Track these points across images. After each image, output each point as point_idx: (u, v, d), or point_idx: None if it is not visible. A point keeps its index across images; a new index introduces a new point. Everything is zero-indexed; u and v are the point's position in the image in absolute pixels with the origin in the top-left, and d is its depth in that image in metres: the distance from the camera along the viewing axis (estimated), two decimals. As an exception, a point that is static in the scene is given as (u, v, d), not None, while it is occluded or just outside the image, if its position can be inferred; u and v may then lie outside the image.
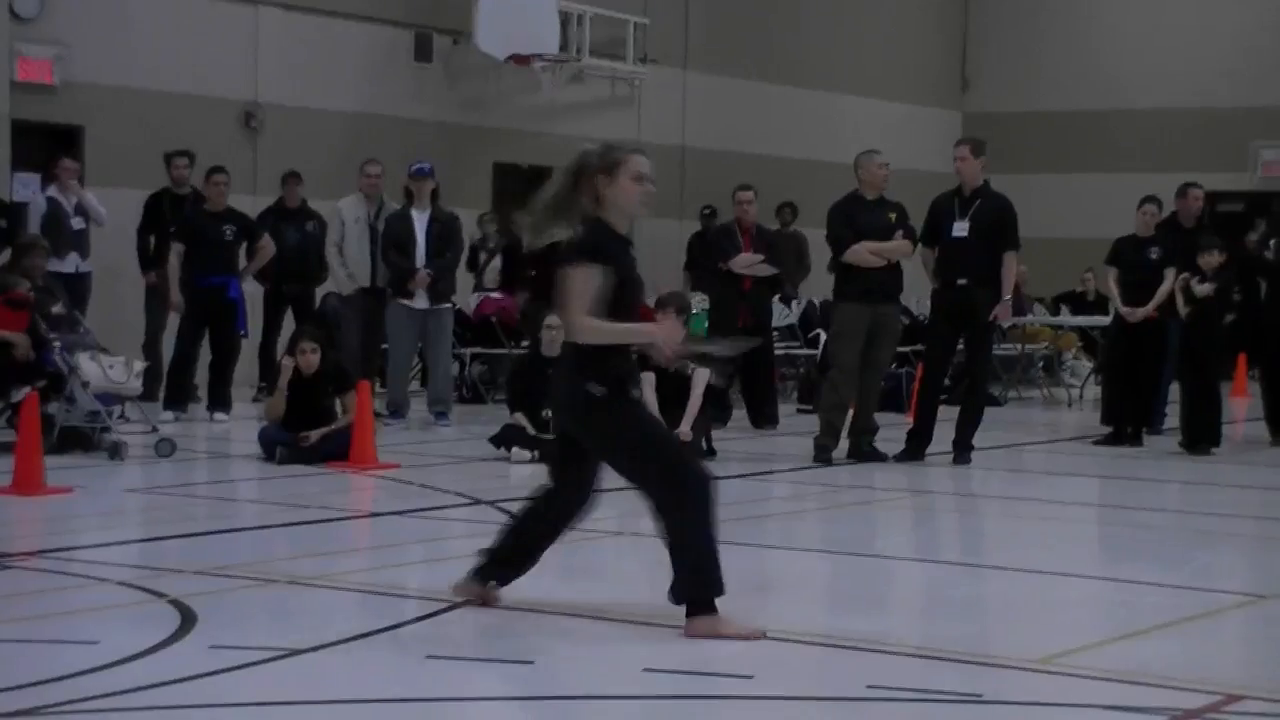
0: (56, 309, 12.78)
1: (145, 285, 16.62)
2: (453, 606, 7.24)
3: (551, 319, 13.35)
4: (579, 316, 6.80)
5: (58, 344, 12.42)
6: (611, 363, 6.87)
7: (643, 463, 6.90)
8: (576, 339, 6.86)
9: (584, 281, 6.79)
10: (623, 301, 6.88)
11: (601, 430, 6.90)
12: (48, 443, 12.19)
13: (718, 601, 6.78)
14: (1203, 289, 14.20)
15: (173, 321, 16.02)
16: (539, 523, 7.23)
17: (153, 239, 16.59)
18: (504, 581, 7.23)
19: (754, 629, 6.74)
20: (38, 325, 12.63)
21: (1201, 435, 14.24)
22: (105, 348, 12.86)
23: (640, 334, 7.04)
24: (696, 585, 6.77)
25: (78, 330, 12.82)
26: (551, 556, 8.51)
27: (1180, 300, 14.30)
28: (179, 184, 16.63)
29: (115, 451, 12.14)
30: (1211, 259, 14.26)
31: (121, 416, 13.00)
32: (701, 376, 13.07)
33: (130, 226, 16.77)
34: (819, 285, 17.30)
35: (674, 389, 13.04)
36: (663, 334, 7.16)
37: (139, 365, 12.96)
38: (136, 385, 12.80)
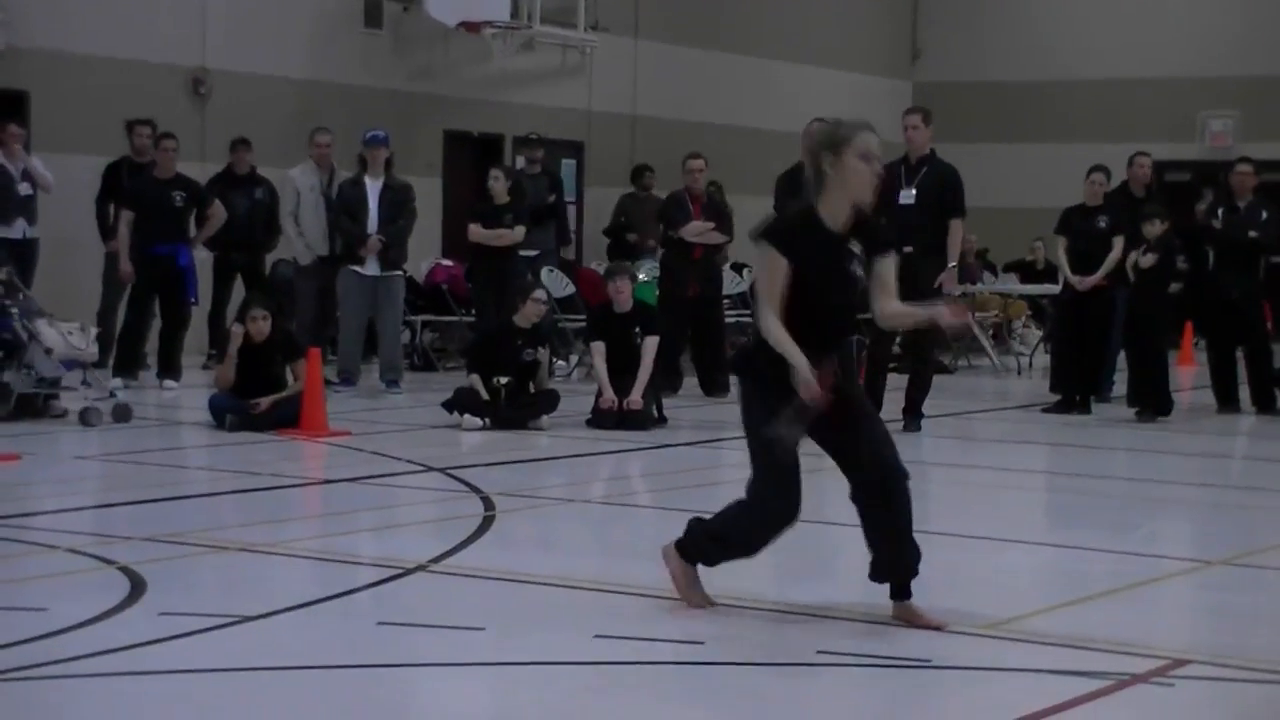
0: (3, 273, 12.67)
1: (105, 253, 16.48)
2: (405, 573, 7.25)
3: (538, 292, 13.41)
4: (765, 309, 6.37)
5: (15, 310, 12.33)
6: (765, 350, 6.46)
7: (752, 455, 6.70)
8: (760, 327, 6.47)
9: (765, 268, 6.37)
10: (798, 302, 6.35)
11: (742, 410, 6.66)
12: (4, 409, 12.14)
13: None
14: (1146, 260, 14.29)
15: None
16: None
17: (112, 208, 16.47)
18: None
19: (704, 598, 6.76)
20: None
21: (1150, 403, 14.34)
22: (50, 314, 12.77)
23: (800, 369, 6.28)
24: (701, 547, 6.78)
25: (18, 296, 12.72)
26: (501, 523, 8.55)
27: (1130, 271, 14.38)
28: (140, 153, 16.51)
29: (86, 418, 12.15)
30: (1153, 228, 14.35)
31: (84, 383, 12.92)
32: (651, 344, 13.10)
33: (78, 193, 16.64)
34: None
35: (624, 357, 13.07)
36: (811, 388, 6.30)
37: (94, 331, 12.93)
38: (94, 351, 12.78)
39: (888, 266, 6.56)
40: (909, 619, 6.51)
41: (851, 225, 6.49)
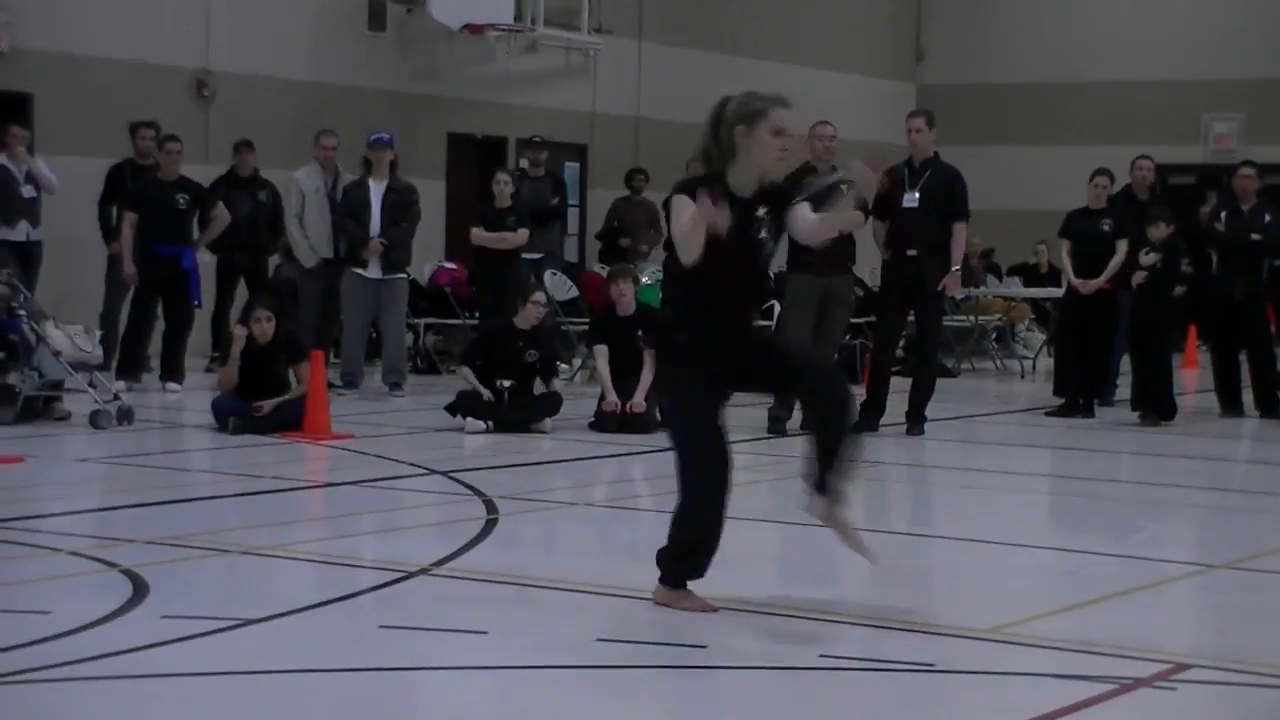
0: (4, 274, 12.65)
1: (108, 256, 16.49)
2: (407, 576, 7.25)
3: (537, 295, 13.44)
4: (690, 240, 6.36)
5: (22, 313, 12.32)
6: (674, 331, 6.64)
7: (677, 443, 6.75)
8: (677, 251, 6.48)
9: (679, 216, 6.41)
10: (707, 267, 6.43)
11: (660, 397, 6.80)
12: (11, 413, 12.14)
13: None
14: (1148, 259, 14.28)
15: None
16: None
17: (115, 210, 16.48)
18: None
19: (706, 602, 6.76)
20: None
21: (1153, 407, 14.33)
22: (51, 316, 12.77)
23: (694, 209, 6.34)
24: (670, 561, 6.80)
25: (19, 298, 12.71)
26: (504, 526, 8.54)
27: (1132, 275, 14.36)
28: (144, 155, 16.52)
29: (96, 420, 12.15)
30: (1158, 231, 14.35)
31: (91, 385, 12.92)
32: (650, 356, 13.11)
33: (81, 195, 16.65)
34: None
35: (627, 360, 13.08)
36: (707, 207, 6.32)
37: (98, 334, 12.94)
38: (99, 354, 12.79)
39: (800, 207, 6.72)
40: (836, 525, 6.70)
41: (758, 193, 6.61)
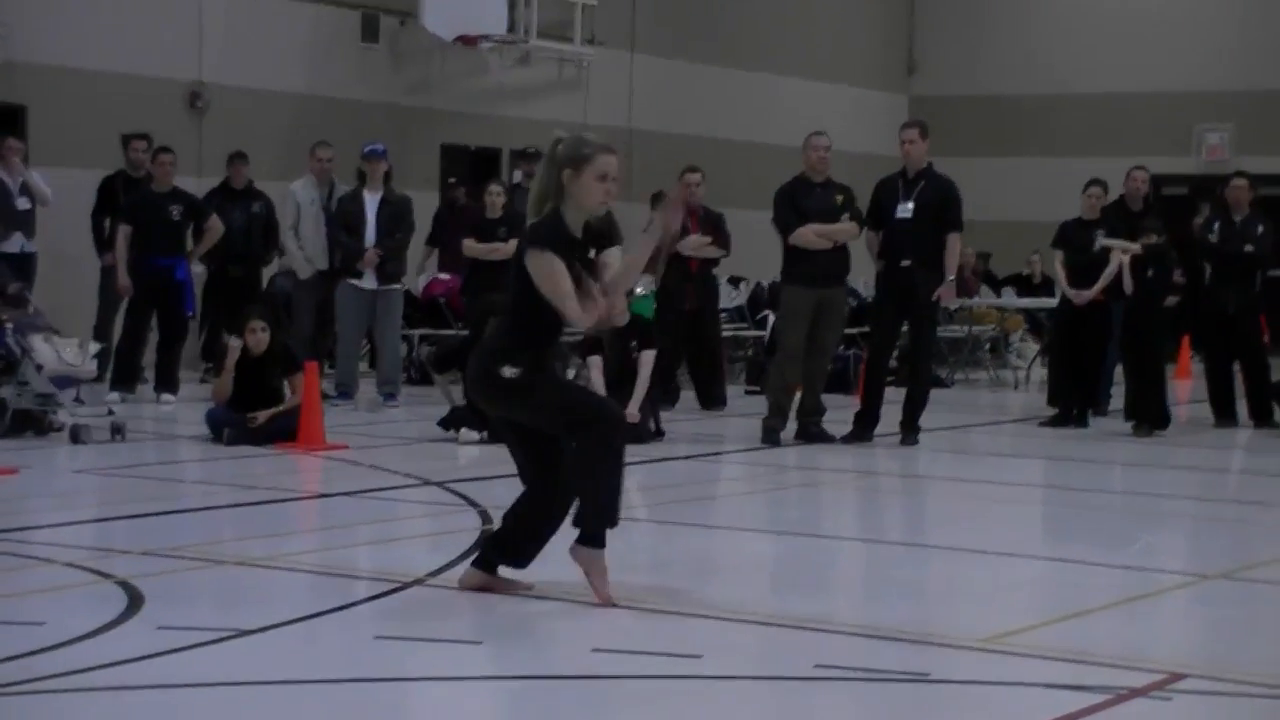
0: (13, 289, 12.64)
1: (101, 267, 16.50)
2: (402, 587, 7.25)
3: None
4: (567, 301, 6.87)
5: (10, 325, 12.28)
6: (530, 350, 7.00)
7: (564, 414, 7.07)
8: (569, 320, 6.98)
9: (548, 267, 6.86)
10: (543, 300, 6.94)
11: (523, 405, 7.06)
12: (0, 426, 12.12)
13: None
14: (1132, 247, 14.26)
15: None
16: (532, 514, 7.26)
17: (108, 221, 16.49)
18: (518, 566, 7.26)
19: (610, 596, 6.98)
20: None
21: (1146, 417, 14.35)
22: (57, 329, 12.77)
23: (636, 264, 7.22)
24: (599, 519, 7.04)
25: (27, 306, 12.69)
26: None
27: (1127, 279, 14.34)
28: (136, 167, 16.53)
29: (78, 435, 12.05)
30: (1148, 242, 14.37)
31: (77, 399, 12.90)
32: (648, 358, 13.10)
33: (75, 207, 16.65)
34: (767, 267, 17.36)
35: (621, 371, 13.08)
36: (594, 315, 7.08)
37: (94, 347, 12.89)
38: (91, 367, 12.73)
39: (613, 254, 7.22)
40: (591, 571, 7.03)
41: (585, 234, 7.06)
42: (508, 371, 6.95)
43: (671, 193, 7.25)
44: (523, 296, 6.99)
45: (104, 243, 16.45)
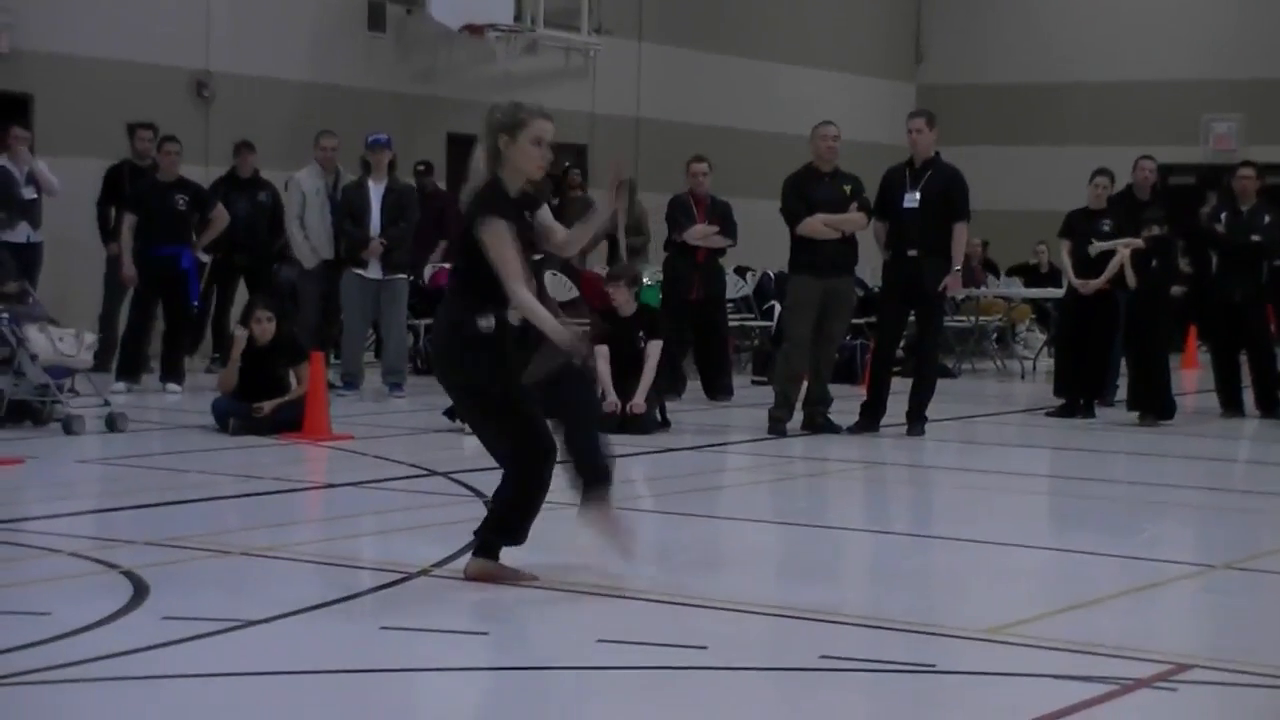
0: (9, 288, 12.60)
1: (106, 257, 16.51)
2: (407, 577, 7.25)
3: None
4: (515, 281, 6.97)
5: (5, 316, 12.23)
6: (492, 304, 7.07)
7: (504, 439, 7.26)
8: (512, 300, 7.01)
9: (500, 237, 6.97)
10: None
11: (474, 408, 7.29)
12: (-1, 412, 12.13)
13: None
14: (1135, 242, 14.24)
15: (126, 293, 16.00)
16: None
17: (113, 211, 16.50)
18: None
19: (525, 574, 7.17)
20: None
21: (1151, 407, 14.33)
22: (55, 320, 12.74)
23: (555, 331, 7.04)
24: (502, 534, 7.24)
25: (26, 302, 12.67)
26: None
27: (1129, 274, 14.32)
28: (142, 156, 16.53)
29: (69, 425, 12.02)
30: (1150, 234, 14.35)
31: (71, 390, 12.88)
32: (655, 348, 13.11)
33: (81, 197, 16.65)
34: (774, 257, 17.33)
35: (627, 361, 13.07)
36: (570, 342, 7.09)
37: (90, 338, 12.81)
38: (87, 358, 12.66)
39: (545, 213, 7.36)
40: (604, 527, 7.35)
41: (522, 197, 7.19)
42: (482, 323, 7.05)
43: (611, 175, 7.34)
44: (473, 266, 7.10)
45: (109, 232, 16.45)
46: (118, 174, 16.60)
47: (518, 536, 7.24)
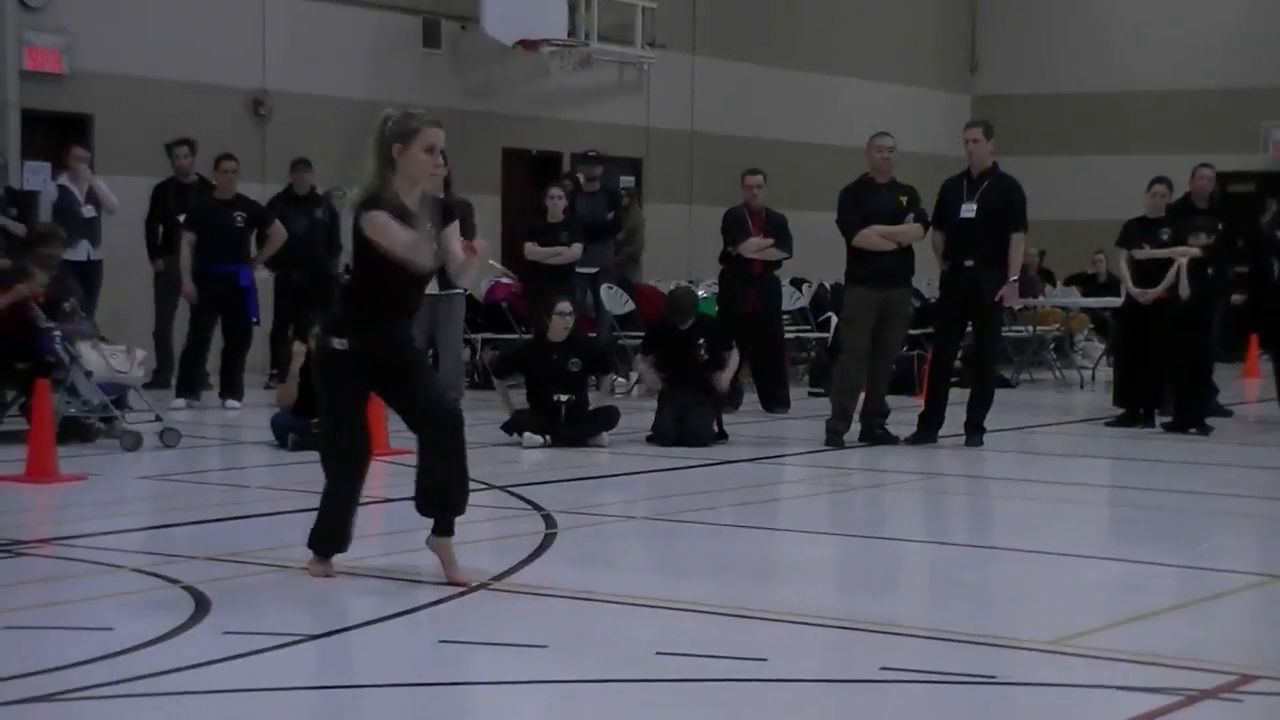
0: (68, 305, 12.68)
1: (155, 274, 16.65)
2: (467, 591, 7.26)
3: (562, 305, 13.38)
4: (410, 248, 7.09)
5: (58, 334, 12.29)
6: (359, 322, 7.28)
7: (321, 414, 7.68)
8: (419, 266, 7.18)
9: (384, 221, 7.13)
10: (394, 269, 7.15)
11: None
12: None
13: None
14: (1191, 251, 14.12)
15: (184, 309, 16.09)
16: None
17: (160, 228, 16.63)
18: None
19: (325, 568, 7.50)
20: (33, 312, 12.44)
21: (1186, 418, 14.18)
22: (104, 336, 12.81)
23: (405, 247, 7.13)
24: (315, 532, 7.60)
25: (75, 319, 12.74)
26: (563, 541, 8.56)
27: (1184, 284, 14.17)
28: (183, 174, 16.67)
29: (128, 441, 12.08)
30: (1198, 241, 14.22)
31: (123, 406, 12.93)
32: (733, 359, 13.56)
33: (140, 215, 16.81)
34: (830, 269, 17.30)
35: (682, 373, 13.13)
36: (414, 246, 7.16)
37: (141, 354, 12.86)
38: (139, 374, 12.74)
39: (452, 230, 7.53)
40: (443, 558, 7.39)
41: (421, 206, 7.33)
42: (336, 343, 7.26)
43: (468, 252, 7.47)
44: (357, 268, 7.32)
45: (156, 249, 16.62)
46: (163, 192, 16.74)
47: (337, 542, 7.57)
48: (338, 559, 7.78)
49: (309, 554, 7.64)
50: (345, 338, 7.26)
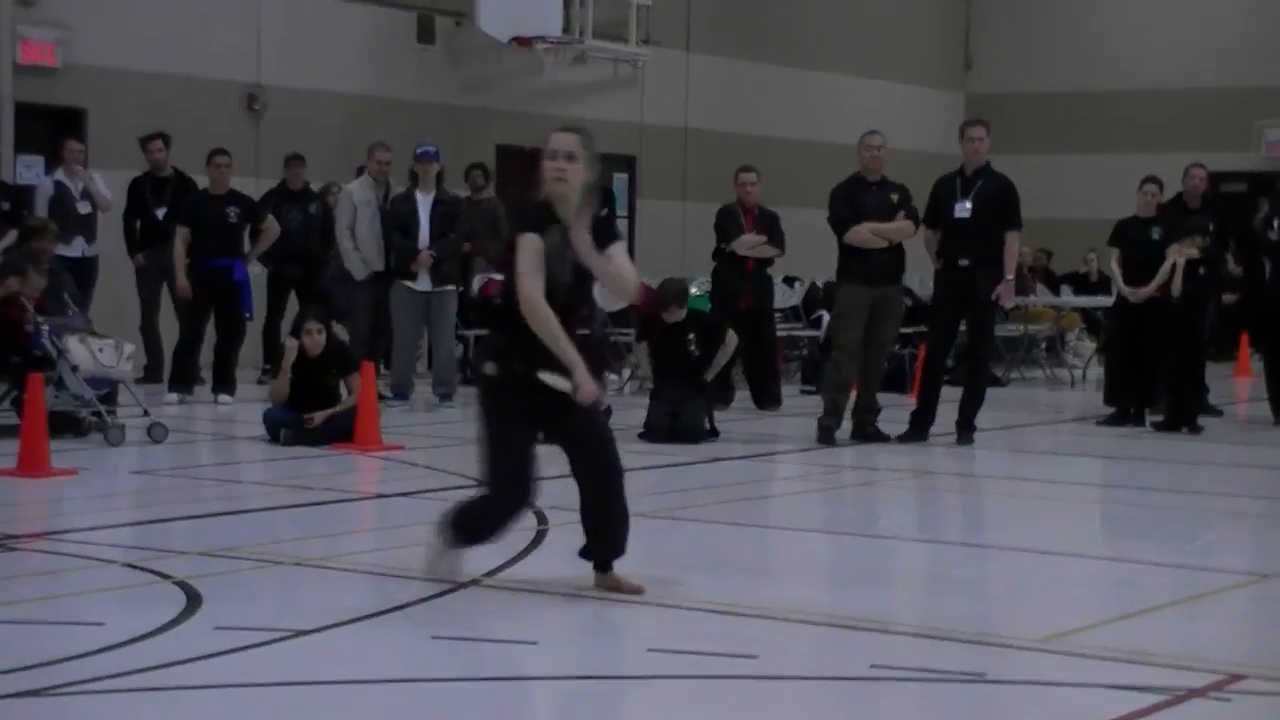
0: (52, 303, 12.64)
1: (134, 268, 16.66)
2: (458, 587, 7.27)
3: None
4: (532, 290, 6.91)
5: (45, 327, 12.27)
6: (502, 346, 7.04)
7: (481, 461, 7.17)
8: (521, 309, 6.92)
9: (527, 248, 6.95)
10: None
11: (479, 424, 7.14)
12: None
13: None
14: (1189, 252, 14.14)
15: (169, 303, 16.12)
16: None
17: (139, 223, 16.65)
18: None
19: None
20: (23, 307, 12.43)
21: (1178, 416, 14.20)
22: (95, 330, 12.79)
23: (572, 363, 6.91)
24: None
25: (66, 313, 12.73)
26: (554, 537, 8.57)
27: (1177, 283, 14.20)
28: (157, 167, 16.64)
29: (113, 436, 12.05)
30: (1194, 243, 14.23)
31: (112, 401, 12.90)
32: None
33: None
34: (822, 266, 17.31)
35: (675, 365, 13.16)
36: (585, 386, 6.96)
37: (129, 348, 12.81)
38: (127, 368, 12.70)
39: (619, 249, 7.56)
40: (615, 588, 7.11)
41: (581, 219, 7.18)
42: (488, 368, 7.05)
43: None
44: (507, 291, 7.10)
45: (134, 243, 16.61)
46: (139, 186, 16.72)
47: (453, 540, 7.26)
48: (326, 554, 7.78)
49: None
50: (495, 362, 7.03)
